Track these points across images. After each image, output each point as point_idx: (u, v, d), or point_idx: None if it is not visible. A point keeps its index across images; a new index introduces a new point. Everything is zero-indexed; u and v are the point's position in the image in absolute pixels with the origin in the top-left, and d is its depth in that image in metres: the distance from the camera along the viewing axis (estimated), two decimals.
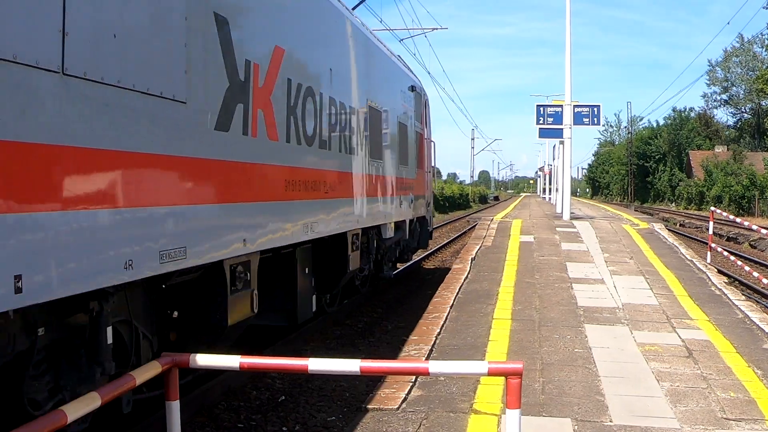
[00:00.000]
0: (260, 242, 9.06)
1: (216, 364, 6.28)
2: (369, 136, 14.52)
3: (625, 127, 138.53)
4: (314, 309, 12.68)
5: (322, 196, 11.40)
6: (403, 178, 18.31)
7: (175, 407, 6.14)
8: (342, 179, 12.60)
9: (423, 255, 29.52)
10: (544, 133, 34.52)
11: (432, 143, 24.87)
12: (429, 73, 68.84)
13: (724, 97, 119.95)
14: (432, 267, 27.68)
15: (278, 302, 11.43)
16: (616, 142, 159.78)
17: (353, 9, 16.49)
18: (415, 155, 20.47)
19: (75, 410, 4.96)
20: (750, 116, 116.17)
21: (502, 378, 8.12)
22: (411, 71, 21.63)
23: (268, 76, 9.20)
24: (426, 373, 5.93)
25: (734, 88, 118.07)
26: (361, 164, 13.86)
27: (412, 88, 20.19)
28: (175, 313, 8.67)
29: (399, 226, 18.83)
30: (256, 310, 9.35)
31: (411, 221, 20.65)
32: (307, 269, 12.00)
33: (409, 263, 24.60)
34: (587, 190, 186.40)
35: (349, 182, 13.07)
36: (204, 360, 6.16)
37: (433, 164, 25.30)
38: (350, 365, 5.87)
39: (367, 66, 14.72)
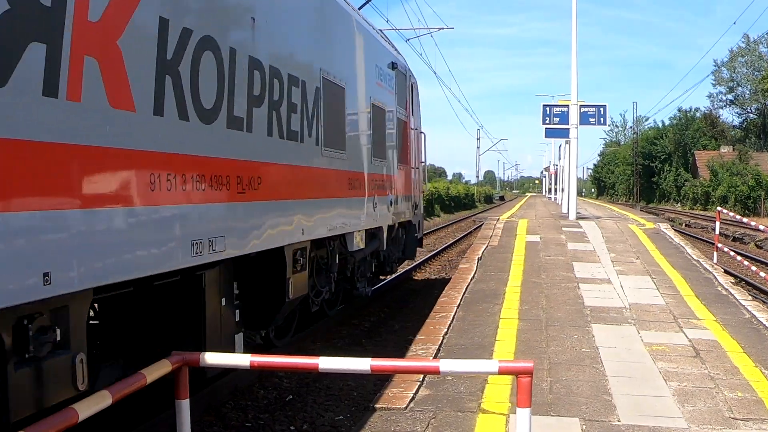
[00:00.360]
0: (88, 274, 5.70)
1: (226, 362, 6.29)
2: (323, 117, 11.07)
3: (631, 127, 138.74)
4: (241, 351, 9.45)
5: (236, 198, 8.14)
6: (379, 174, 14.93)
7: (185, 406, 6.14)
8: (273, 174, 9.23)
9: (428, 255, 29.52)
10: (550, 133, 34.56)
11: (422, 135, 21.33)
12: (435, 73, 68.96)
13: (729, 97, 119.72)
14: (438, 267, 27.69)
15: (179, 346, 7.39)
16: (622, 142, 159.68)
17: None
18: (396, 147, 16.74)
19: (86, 408, 4.97)
20: (756, 116, 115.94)
21: (510, 378, 8.20)
22: (394, 48, 18.02)
23: (112, 7, 6.00)
24: (437, 372, 5.93)
25: (740, 88, 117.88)
26: (307, 154, 10.53)
27: (393, 66, 16.62)
28: None
29: (374, 234, 15.53)
30: (83, 386, 5.98)
31: (391, 227, 17.04)
32: (224, 300, 8.79)
33: (392, 276, 21.43)
34: (592, 190, 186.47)
35: (286, 178, 9.73)
36: (214, 359, 6.17)
37: (423, 160, 21.43)
38: (361, 364, 5.87)
39: (321, 26, 11.55)
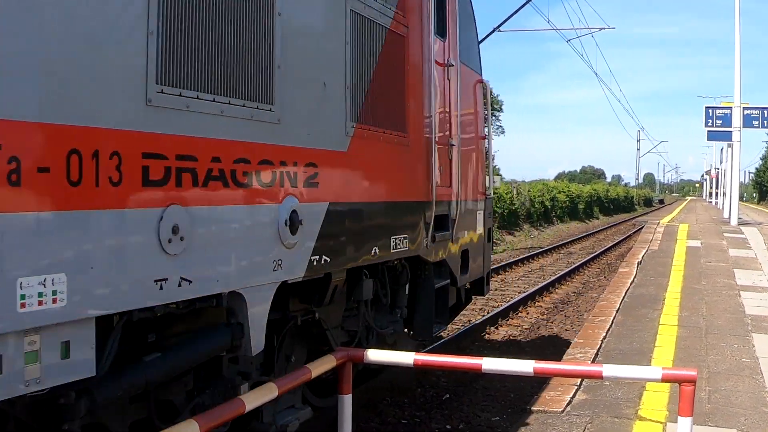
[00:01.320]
0: None
1: (390, 360, 6.49)
2: None
3: None
4: None
5: None
6: (277, 146, 5.53)
7: (347, 401, 6.36)
8: None
9: (586, 258, 29.20)
10: (712, 136, 33.82)
11: (480, 86, 11.33)
12: (596, 74, 67.37)
13: None
14: (596, 269, 27.39)
15: None
16: None
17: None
18: (342, 84, 6.57)
19: (253, 400, 5.22)
20: None
21: (668, 385, 8.15)
22: None
23: None
24: (599, 377, 5.98)
25: None
26: None
27: None
28: None
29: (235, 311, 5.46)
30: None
31: (323, 283, 6.69)
32: None
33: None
34: (754, 194, 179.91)
35: None
36: (377, 356, 6.37)
37: (482, 132, 11.35)
38: (524, 366, 5.97)
39: None
